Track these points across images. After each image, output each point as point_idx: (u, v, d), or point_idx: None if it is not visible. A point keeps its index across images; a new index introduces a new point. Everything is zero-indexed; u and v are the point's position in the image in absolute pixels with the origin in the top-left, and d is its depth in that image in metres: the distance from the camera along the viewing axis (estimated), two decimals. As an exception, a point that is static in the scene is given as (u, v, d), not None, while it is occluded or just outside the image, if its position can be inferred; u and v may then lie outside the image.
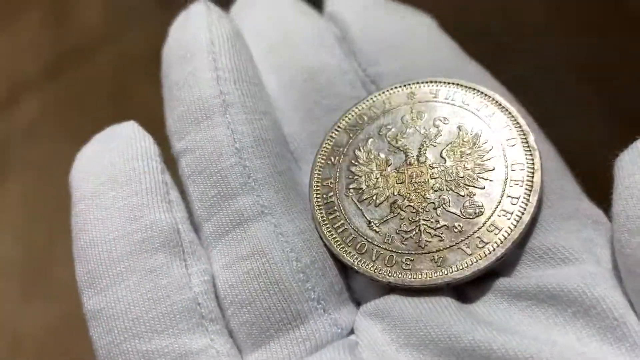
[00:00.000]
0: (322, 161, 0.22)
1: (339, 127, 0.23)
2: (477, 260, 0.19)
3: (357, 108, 0.23)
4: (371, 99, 0.23)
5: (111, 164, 0.22)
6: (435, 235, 0.20)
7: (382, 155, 0.22)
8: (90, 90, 0.46)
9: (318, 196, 0.22)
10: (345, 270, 0.21)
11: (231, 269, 0.21)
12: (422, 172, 0.21)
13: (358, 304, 0.21)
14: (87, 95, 0.46)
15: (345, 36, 0.25)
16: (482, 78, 0.23)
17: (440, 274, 0.19)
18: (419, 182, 0.21)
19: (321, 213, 0.21)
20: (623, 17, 0.37)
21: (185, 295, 0.20)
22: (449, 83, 0.22)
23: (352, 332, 0.20)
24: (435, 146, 0.21)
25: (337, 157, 0.22)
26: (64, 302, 0.36)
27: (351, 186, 0.21)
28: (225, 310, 0.20)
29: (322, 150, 0.22)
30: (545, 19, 0.38)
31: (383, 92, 0.23)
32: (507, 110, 0.21)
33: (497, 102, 0.21)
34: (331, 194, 0.21)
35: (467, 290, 0.20)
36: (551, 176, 0.20)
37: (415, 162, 0.21)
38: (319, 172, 0.22)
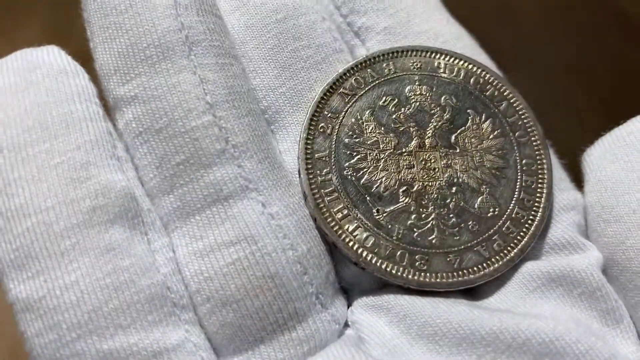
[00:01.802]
0: (313, 128, 0.19)
1: (332, 88, 0.19)
2: (495, 264, 0.18)
3: (352, 68, 0.19)
4: (369, 60, 0.20)
5: (38, 105, 0.16)
6: (450, 233, 0.18)
7: (389, 134, 0.19)
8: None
9: (311, 172, 0.18)
10: (332, 254, 0.18)
11: (208, 257, 0.17)
12: (435, 158, 0.19)
13: (344, 291, 0.19)
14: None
15: None
16: (478, 52, 0.21)
17: (459, 278, 0.17)
18: (431, 169, 0.18)
19: (317, 194, 0.18)
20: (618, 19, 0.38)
21: (153, 279, 0.16)
22: (459, 58, 0.20)
23: (344, 324, 0.18)
24: (446, 130, 0.19)
25: (331, 126, 0.19)
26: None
27: (350, 164, 0.18)
28: (196, 305, 0.17)
29: (313, 115, 0.19)
30: (543, 23, 0.39)
31: (383, 55, 0.20)
32: (517, 100, 0.20)
33: (507, 90, 0.20)
34: (327, 170, 0.18)
35: None
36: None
37: (427, 146, 0.19)
38: (310, 142, 0.18)
